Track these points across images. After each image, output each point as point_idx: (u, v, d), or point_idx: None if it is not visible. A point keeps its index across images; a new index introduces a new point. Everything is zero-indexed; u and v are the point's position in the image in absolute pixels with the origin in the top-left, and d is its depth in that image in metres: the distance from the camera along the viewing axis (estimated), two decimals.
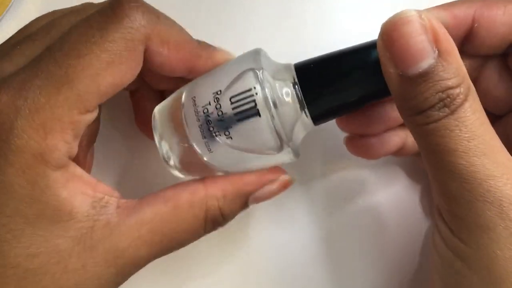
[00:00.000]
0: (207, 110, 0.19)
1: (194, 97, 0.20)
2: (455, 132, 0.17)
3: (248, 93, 0.19)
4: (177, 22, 0.21)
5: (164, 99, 0.22)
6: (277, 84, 0.20)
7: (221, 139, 0.20)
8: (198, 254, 0.26)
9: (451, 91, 0.17)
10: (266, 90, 0.19)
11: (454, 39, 0.18)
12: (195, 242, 0.21)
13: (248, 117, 0.19)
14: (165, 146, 0.21)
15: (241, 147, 0.20)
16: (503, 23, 0.20)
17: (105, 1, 0.20)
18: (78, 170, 0.19)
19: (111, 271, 0.19)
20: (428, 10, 0.21)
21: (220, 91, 0.19)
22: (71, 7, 0.23)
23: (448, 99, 0.17)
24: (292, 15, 0.29)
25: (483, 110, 0.17)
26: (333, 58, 0.20)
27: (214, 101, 0.19)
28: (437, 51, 0.17)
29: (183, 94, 0.21)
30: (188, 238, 0.21)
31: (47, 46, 0.19)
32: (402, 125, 0.24)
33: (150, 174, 0.27)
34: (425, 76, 0.17)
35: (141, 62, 0.19)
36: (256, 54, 0.20)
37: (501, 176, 0.17)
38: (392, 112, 0.23)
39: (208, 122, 0.19)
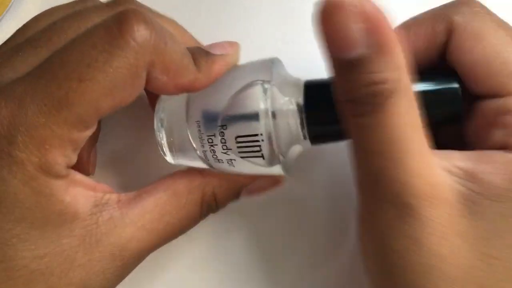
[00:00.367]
0: (212, 141, 0.20)
1: (198, 121, 0.20)
2: (374, 132, 0.16)
3: (255, 138, 0.19)
4: (179, 29, 0.20)
5: None
6: (281, 101, 0.19)
7: (223, 165, 0.20)
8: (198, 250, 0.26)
9: (376, 87, 0.16)
10: (271, 124, 0.19)
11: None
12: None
13: (252, 157, 0.19)
14: (163, 136, 0.21)
15: (241, 170, 0.20)
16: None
17: (111, 12, 0.20)
18: (78, 176, 0.20)
19: (117, 264, 0.19)
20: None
21: (226, 126, 0.19)
22: (72, 2, 0.22)
23: (371, 95, 0.16)
24: (292, 15, 0.29)
25: (416, 111, 0.17)
26: None
27: (220, 135, 0.19)
28: (372, 41, 0.15)
29: (188, 113, 0.20)
30: (188, 224, 0.22)
31: (49, 56, 0.18)
32: None
33: (151, 172, 0.27)
34: (354, 65, 0.16)
35: (143, 86, 0.19)
36: (269, 64, 0.20)
37: (405, 182, 0.16)
38: None
39: (212, 151, 0.20)
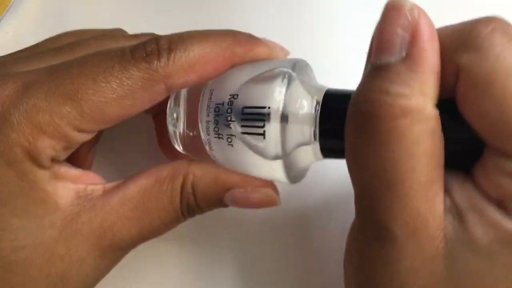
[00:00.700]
0: (218, 110, 0.19)
1: (212, 90, 0.20)
2: (373, 148, 0.15)
3: (261, 111, 0.18)
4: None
5: None
6: (298, 101, 0.18)
7: (221, 143, 0.19)
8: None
9: (387, 97, 0.14)
10: (281, 104, 0.18)
11: None
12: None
13: (253, 133, 0.19)
14: (174, 116, 0.21)
15: (237, 156, 0.20)
16: None
17: (134, 42, 0.20)
18: (62, 169, 0.19)
19: (95, 254, 0.19)
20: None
21: (237, 95, 0.19)
22: (102, 30, 0.23)
23: (378, 103, 0.14)
24: (293, 15, 0.29)
25: (435, 144, 0.15)
26: None
27: (228, 104, 0.19)
28: (407, 52, 0.14)
29: (206, 86, 0.20)
30: (169, 217, 0.20)
31: (69, 60, 0.19)
32: None
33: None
34: (379, 69, 0.14)
35: (157, 99, 0.19)
36: (296, 62, 0.19)
37: (391, 209, 0.15)
38: None
39: (216, 121, 0.19)
